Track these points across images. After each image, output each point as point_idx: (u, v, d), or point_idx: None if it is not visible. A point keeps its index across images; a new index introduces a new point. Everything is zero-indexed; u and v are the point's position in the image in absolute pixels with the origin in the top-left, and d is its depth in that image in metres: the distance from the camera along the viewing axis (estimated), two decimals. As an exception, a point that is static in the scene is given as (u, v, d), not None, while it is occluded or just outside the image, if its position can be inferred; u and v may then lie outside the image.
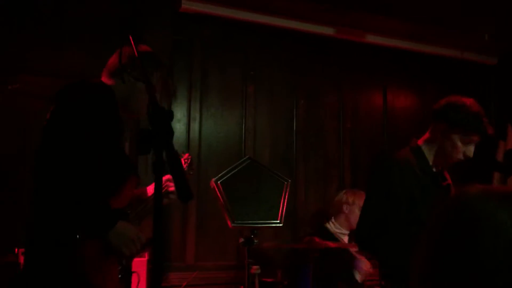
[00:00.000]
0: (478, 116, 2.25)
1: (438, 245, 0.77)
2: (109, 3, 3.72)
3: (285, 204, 2.79)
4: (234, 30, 4.26)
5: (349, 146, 4.63)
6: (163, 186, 2.05)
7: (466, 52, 4.85)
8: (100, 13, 3.68)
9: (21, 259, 2.77)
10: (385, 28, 4.45)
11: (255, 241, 2.67)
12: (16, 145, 3.40)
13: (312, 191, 4.41)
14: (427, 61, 4.86)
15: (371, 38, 4.51)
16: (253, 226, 2.66)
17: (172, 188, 2.12)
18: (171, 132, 1.15)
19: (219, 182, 2.73)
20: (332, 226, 3.83)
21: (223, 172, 2.77)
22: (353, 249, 3.69)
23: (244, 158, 2.91)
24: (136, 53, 1.50)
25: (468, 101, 2.29)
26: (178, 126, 4.01)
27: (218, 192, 2.70)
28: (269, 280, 3.44)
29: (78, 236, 1.73)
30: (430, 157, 2.36)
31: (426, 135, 2.42)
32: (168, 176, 2.11)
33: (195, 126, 4.09)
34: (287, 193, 2.83)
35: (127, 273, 1.98)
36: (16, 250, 2.87)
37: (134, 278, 2.16)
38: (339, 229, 3.80)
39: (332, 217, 3.86)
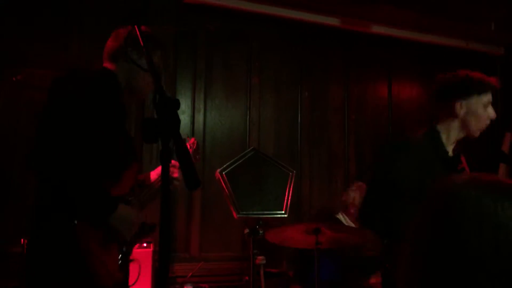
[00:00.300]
0: (481, 76, 2.29)
1: (427, 230, 0.79)
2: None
3: (290, 195, 2.79)
4: (239, 21, 4.24)
5: (354, 138, 4.61)
6: None
7: (472, 42, 4.82)
8: (105, 4, 3.67)
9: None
10: (391, 18, 4.42)
11: (260, 232, 2.66)
12: (22, 137, 3.41)
13: (316, 183, 4.41)
14: (432, 52, 4.83)
15: (377, 29, 4.48)
16: (258, 217, 2.66)
17: (176, 174, 2.12)
18: (177, 120, 1.15)
19: (224, 173, 2.72)
20: (342, 218, 3.83)
21: (228, 163, 2.76)
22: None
23: (249, 149, 2.90)
24: (141, 42, 1.48)
25: (463, 71, 2.33)
26: (183, 117, 4.01)
27: (223, 183, 2.69)
28: (274, 270, 3.44)
29: (75, 222, 1.73)
30: (449, 139, 2.34)
31: (441, 119, 2.38)
32: (172, 161, 2.10)
33: (199, 117, 4.09)
34: (292, 184, 2.82)
35: (127, 261, 1.98)
36: (22, 240, 2.89)
37: (135, 269, 2.16)
38: (348, 223, 3.81)
39: (341, 212, 3.86)
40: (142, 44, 1.47)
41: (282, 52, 4.43)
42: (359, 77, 4.70)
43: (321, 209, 4.29)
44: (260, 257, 2.81)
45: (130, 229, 1.85)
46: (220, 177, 2.71)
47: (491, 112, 2.32)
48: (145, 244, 3.21)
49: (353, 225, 3.82)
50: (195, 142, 2.37)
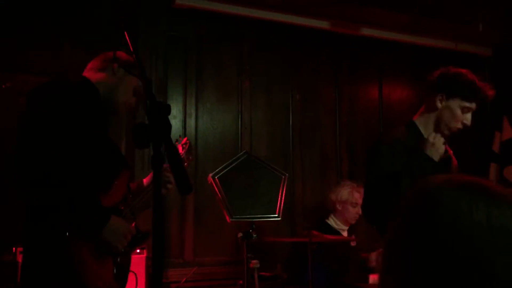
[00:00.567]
0: (474, 83, 2.28)
1: (403, 230, 0.81)
2: (106, 2, 3.69)
3: (283, 198, 2.80)
4: (229, 25, 4.24)
5: (346, 139, 4.63)
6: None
7: (461, 43, 4.86)
8: (95, 11, 3.66)
9: (19, 258, 2.76)
10: (380, 20, 4.44)
11: (254, 235, 2.67)
12: (13, 145, 3.38)
13: (309, 185, 4.42)
14: (422, 53, 4.86)
15: (366, 31, 4.50)
16: (251, 221, 2.66)
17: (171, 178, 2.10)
18: (168, 125, 1.15)
19: (216, 177, 2.72)
20: (333, 222, 3.84)
21: (220, 167, 2.76)
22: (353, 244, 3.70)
23: (241, 153, 2.90)
24: (131, 48, 1.48)
25: (464, 70, 2.33)
26: (174, 122, 4.00)
27: (215, 187, 2.69)
28: (268, 274, 3.44)
29: (67, 234, 1.72)
30: (426, 131, 2.36)
31: (421, 109, 2.44)
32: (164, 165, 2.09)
33: (191, 122, 4.09)
34: (284, 187, 2.83)
35: (123, 272, 1.97)
36: (14, 249, 2.87)
37: (132, 279, 2.15)
38: (339, 225, 3.82)
39: (331, 214, 3.88)
40: (132, 50, 1.47)
41: (273, 55, 4.44)
42: (350, 79, 4.72)
43: (314, 210, 4.30)
44: (254, 261, 2.80)
45: (121, 240, 1.83)
46: (213, 181, 2.71)
47: (467, 118, 2.32)
48: (138, 250, 3.19)
49: (344, 226, 3.83)
50: (188, 142, 2.36)
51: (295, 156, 4.41)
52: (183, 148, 2.33)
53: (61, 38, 3.62)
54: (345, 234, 3.84)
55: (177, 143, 2.30)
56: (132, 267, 2.56)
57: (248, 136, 4.25)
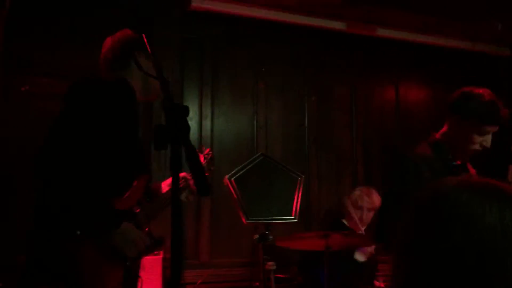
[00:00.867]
0: (492, 106, 2.21)
1: (415, 231, 0.80)
2: (120, 3, 3.72)
3: (299, 200, 2.78)
4: (244, 27, 4.25)
5: (362, 141, 4.60)
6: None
7: (479, 43, 4.80)
8: (111, 14, 3.69)
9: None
10: (397, 21, 4.41)
11: (270, 237, 2.65)
12: (30, 146, 3.42)
13: (325, 186, 4.40)
14: (438, 54, 4.81)
15: (382, 32, 4.48)
16: (267, 222, 2.65)
17: (193, 186, 2.10)
18: (187, 127, 1.15)
19: (232, 179, 2.72)
20: (346, 224, 3.81)
21: (236, 169, 2.76)
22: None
23: (257, 155, 2.89)
24: (149, 50, 1.49)
25: (482, 90, 2.26)
26: (190, 124, 3.98)
27: (232, 188, 2.69)
28: (284, 276, 3.43)
29: (78, 233, 1.72)
30: (450, 150, 2.33)
31: (444, 129, 2.38)
32: (182, 174, 2.10)
33: (207, 123, 4.10)
34: (301, 189, 2.81)
35: (132, 276, 1.95)
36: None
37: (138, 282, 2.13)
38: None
39: (346, 216, 3.85)
40: (150, 52, 1.48)
41: (288, 57, 4.43)
42: (366, 79, 4.70)
43: (330, 210, 4.28)
44: (270, 263, 2.79)
45: (131, 248, 1.83)
46: (229, 183, 2.71)
47: (486, 141, 2.25)
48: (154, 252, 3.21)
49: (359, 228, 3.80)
50: (210, 153, 2.36)
51: (311, 157, 4.39)
52: (204, 158, 2.32)
53: (78, 40, 3.66)
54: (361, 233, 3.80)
55: (198, 151, 2.29)
56: (148, 268, 2.55)
57: (263, 137, 4.25)
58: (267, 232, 2.64)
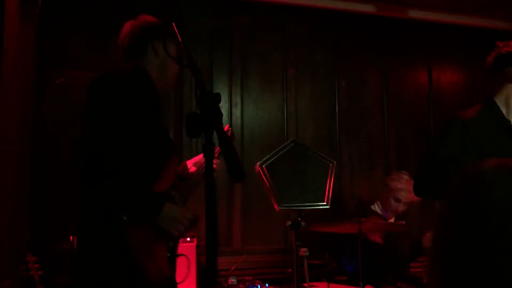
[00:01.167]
0: None
1: (454, 213, 0.81)
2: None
3: (331, 186, 2.76)
4: (273, 14, 4.22)
5: (394, 126, 4.53)
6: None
7: (516, 23, 4.64)
8: (142, 2, 3.72)
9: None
10: (428, 2, 4.30)
11: (302, 223, 2.65)
12: (66, 137, 3.51)
13: (356, 173, 4.36)
14: (472, 34, 4.68)
15: (414, 14, 4.38)
16: (300, 209, 2.65)
17: (215, 165, 2.13)
18: (220, 114, 1.15)
19: (264, 166, 2.72)
20: (377, 207, 3.78)
21: (267, 156, 2.75)
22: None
23: (288, 141, 2.88)
24: (180, 39, 1.49)
25: None
26: (220, 112, 4.03)
27: (263, 176, 2.69)
28: (317, 262, 3.43)
29: (125, 218, 1.76)
30: (509, 108, 2.27)
31: (497, 90, 2.31)
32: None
33: (236, 111, 4.11)
34: (332, 175, 2.79)
35: (175, 256, 2.00)
36: (71, 237, 2.98)
37: (183, 262, 2.18)
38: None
39: (378, 200, 3.81)
40: (180, 40, 1.48)
41: (317, 42, 4.38)
42: (397, 63, 4.61)
43: (362, 197, 4.25)
44: (303, 249, 2.78)
45: (176, 227, 1.86)
46: (260, 170, 2.71)
47: None
48: (188, 239, 3.25)
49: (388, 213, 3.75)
50: (230, 129, 2.38)
51: (342, 143, 4.36)
52: None
53: (110, 31, 3.70)
54: (391, 221, 3.76)
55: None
56: (187, 256, 2.60)
57: (293, 124, 4.23)
58: (299, 219, 2.63)
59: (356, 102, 4.45)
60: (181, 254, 2.07)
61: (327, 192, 2.73)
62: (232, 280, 3.30)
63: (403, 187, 3.62)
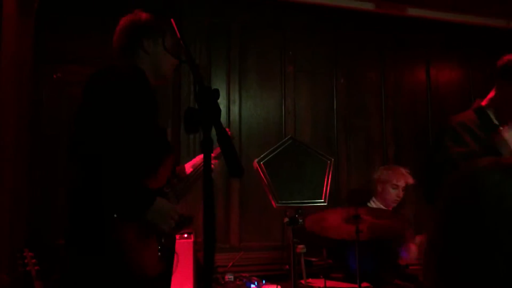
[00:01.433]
0: None
1: (449, 213, 0.81)
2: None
3: (329, 183, 2.76)
4: (271, 11, 4.22)
5: (392, 123, 4.54)
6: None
7: (514, 21, 4.64)
8: (141, 0, 3.71)
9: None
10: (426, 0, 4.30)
11: (300, 220, 2.65)
12: (64, 132, 3.50)
13: (355, 170, 4.37)
14: (471, 33, 4.68)
15: (412, 11, 4.38)
16: (297, 206, 2.65)
17: (213, 166, 2.14)
18: (218, 109, 1.15)
19: (261, 162, 2.72)
20: (373, 204, 3.80)
21: (265, 153, 2.75)
22: (408, 233, 3.64)
23: (286, 138, 2.88)
24: (178, 35, 1.49)
25: None
26: (218, 108, 4.02)
27: (261, 172, 2.69)
28: (314, 259, 3.44)
29: (115, 216, 1.76)
30: (497, 119, 2.32)
31: (491, 95, 2.39)
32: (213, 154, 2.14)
33: (235, 108, 4.10)
34: (330, 172, 2.80)
35: (167, 252, 1.99)
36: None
37: (178, 259, 2.18)
38: (380, 207, 3.77)
39: (373, 196, 3.83)
40: (179, 37, 1.48)
41: (316, 39, 4.38)
42: (395, 61, 4.61)
43: (359, 194, 4.26)
44: (300, 246, 2.80)
45: (167, 222, 1.86)
46: (258, 167, 2.71)
47: None
48: (185, 235, 3.26)
49: (382, 208, 3.77)
50: (230, 133, 2.38)
51: (340, 140, 4.36)
52: None
53: (109, 28, 3.69)
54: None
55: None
56: (180, 252, 2.59)
57: (292, 121, 4.23)
58: (297, 216, 2.64)
59: (354, 99, 4.45)
60: (173, 251, 2.06)
61: (325, 189, 2.74)
62: (229, 277, 3.31)
63: (395, 173, 3.70)
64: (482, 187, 0.78)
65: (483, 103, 2.39)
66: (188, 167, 2.34)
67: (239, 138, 4.04)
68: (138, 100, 1.90)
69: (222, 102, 4.06)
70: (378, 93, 4.53)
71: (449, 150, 2.21)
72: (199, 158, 2.37)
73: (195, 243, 3.31)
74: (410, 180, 3.75)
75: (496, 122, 2.33)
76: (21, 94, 3.23)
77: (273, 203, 2.66)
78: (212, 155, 2.19)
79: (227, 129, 2.41)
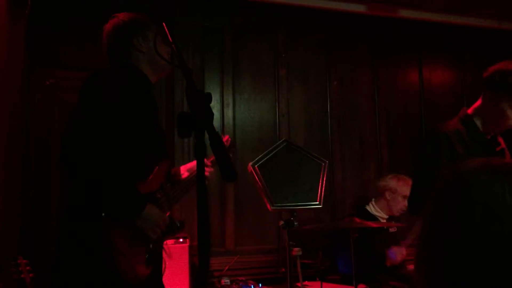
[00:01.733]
0: None
1: (437, 214, 0.82)
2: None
3: (323, 185, 2.76)
4: (264, 14, 4.22)
5: (386, 125, 4.55)
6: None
7: (505, 22, 4.67)
8: (131, 6, 3.70)
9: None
10: (418, 1, 4.32)
11: (295, 223, 2.65)
12: (56, 138, 3.49)
13: (349, 172, 4.37)
14: (463, 34, 4.71)
15: (404, 13, 4.39)
16: (292, 209, 2.65)
17: (207, 173, 2.14)
18: (211, 114, 1.15)
19: (256, 166, 2.71)
20: (372, 208, 3.79)
21: (259, 156, 2.75)
22: (392, 230, 3.65)
23: (281, 141, 2.88)
24: (170, 39, 1.49)
25: None
26: (212, 112, 4.02)
27: (256, 176, 2.69)
28: (310, 261, 3.43)
29: (103, 215, 1.75)
30: (481, 125, 2.33)
31: (477, 104, 2.40)
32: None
33: (228, 112, 4.10)
34: (325, 174, 2.79)
35: (155, 257, 1.98)
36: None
37: (170, 264, 2.16)
38: (379, 212, 3.76)
39: (373, 199, 3.81)
40: (171, 41, 1.48)
41: (309, 42, 4.39)
42: (388, 63, 4.63)
43: (354, 197, 4.26)
44: (296, 249, 2.79)
45: (154, 229, 1.85)
46: (253, 170, 2.70)
47: None
48: (181, 239, 3.24)
49: (384, 215, 3.77)
50: (229, 139, 2.37)
51: (334, 143, 4.36)
52: None
53: (98, 35, 3.68)
54: (384, 222, 3.78)
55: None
56: (175, 256, 2.58)
57: (285, 124, 4.23)
58: (292, 218, 2.63)
59: (348, 101, 4.46)
60: (161, 256, 2.04)
61: (319, 192, 2.73)
62: (225, 281, 3.30)
63: (406, 184, 3.67)
64: (470, 187, 0.78)
65: (469, 111, 2.40)
66: (184, 170, 2.32)
67: (234, 141, 4.03)
68: (131, 103, 1.89)
69: (216, 105, 4.06)
70: (371, 95, 4.54)
71: (437, 160, 2.21)
72: (195, 163, 2.35)
73: (190, 247, 3.29)
74: None
75: (482, 131, 2.33)
76: (13, 100, 3.21)
77: (268, 206, 2.65)
78: (208, 162, 2.19)
79: (227, 136, 2.42)
